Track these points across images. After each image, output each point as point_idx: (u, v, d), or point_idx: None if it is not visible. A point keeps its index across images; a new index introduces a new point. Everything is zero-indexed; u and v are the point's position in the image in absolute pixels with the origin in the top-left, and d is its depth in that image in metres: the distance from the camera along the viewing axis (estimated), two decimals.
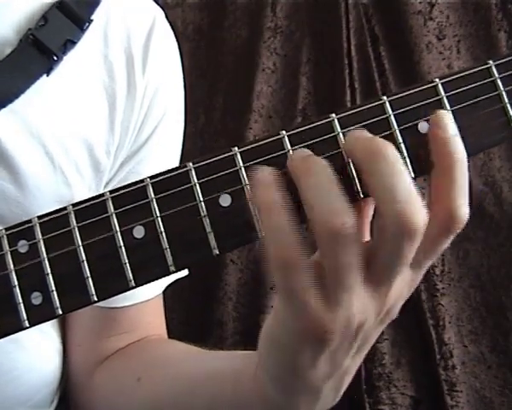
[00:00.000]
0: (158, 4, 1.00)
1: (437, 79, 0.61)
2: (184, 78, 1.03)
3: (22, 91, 0.82)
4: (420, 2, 1.70)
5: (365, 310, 0.58)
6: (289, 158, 0.58)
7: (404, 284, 0.60)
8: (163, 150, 0.98)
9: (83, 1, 0.89)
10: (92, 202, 0.59)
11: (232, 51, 1.75)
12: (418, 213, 0.54)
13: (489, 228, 1.69)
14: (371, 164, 0.55)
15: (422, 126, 0.60)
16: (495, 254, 1.69)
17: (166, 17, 1.00)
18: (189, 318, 1.72)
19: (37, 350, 0.93)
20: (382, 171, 0.55)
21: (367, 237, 0.62)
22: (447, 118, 0.59)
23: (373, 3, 1.72)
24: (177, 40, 1.02)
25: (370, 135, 0.58)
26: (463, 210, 0.58)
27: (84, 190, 0.90)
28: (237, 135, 1.72)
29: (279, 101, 1.74)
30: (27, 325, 0.58)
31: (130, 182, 0.93)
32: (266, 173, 0.57)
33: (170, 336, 1.04)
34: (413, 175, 0.59)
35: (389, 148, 0.55)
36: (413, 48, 1.70)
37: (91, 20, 0.88)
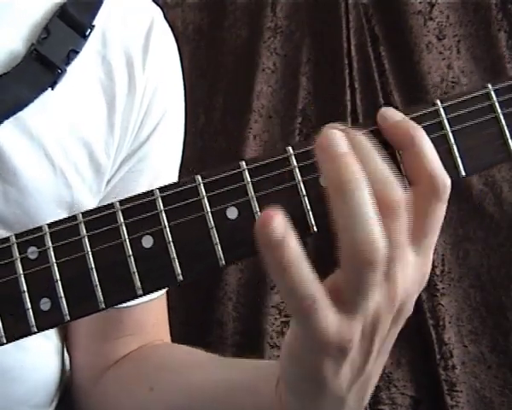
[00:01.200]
0: (157, 4, 1.00)
1: (438, 102, 0.63)
2: (184, 78, 1.03)
3: (27, 104, 0.82)
4: (420, 2, 1.70)
5: (378, 309, 0.59)
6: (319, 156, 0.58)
7: (414, 274, 0.60)
8: (163, 149, 0.98)
9: (84, 6, 0.89)
10: (102, 213, 0.59)
11: (232, 51, 1.76)
12: (394, 191, 0.57)
13: (489, 228, 1.70)
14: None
15: None
16: (495, 254, 1.69)
17: (165, 17, 1.00)
18: (189, 318, 1.72)
19: (38, 350, 0.93)
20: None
21: None
22: (390, 109, 0.62)
23: (373, 3, 1.72)
24: (177, 40, 1.02)
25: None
26: (443, 175, 0.60)
27: (84, 192, 0.90)
28: (237, 135, 1.72)
29: (279, 101, 1.74)
30: (35, 331, 0.59)
31: (130, 181, 0.93)
32: (278, 228, 0.54)
33: (170, 337, 1.04)
34: None
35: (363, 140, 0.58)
36: (413, 48, 1.71)
37: (93, 26, 0.88)
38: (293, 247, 0.54)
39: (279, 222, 0.53)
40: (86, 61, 0.89)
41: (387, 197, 0.56)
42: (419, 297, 1.72)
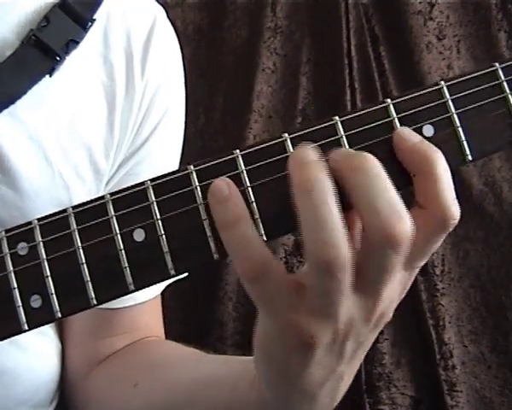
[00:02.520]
0: (158, 3, 1.00)
1: (442, 82, 0.61)
2: (185, 77, 1.03)
3: (24, 93, 0.82)
4: (420, 2, 1.70)
5: (351, 316, 0.58)
6: (289, 163, 0.57)
7: (396, 287, 0.60)
8: (163, 151, 0.97)
9: (85, 1, 0.89)
10: (92, 205, 0.59)
11: (232, 51, 1.75)
12: (402, 224, 0.54)
13: (489, 228, 1.69)
14: (352, 179, 0.56)
15: (427, 130, 0.60)
16: (495, 254, 1.69)
17: (167, 16, 1.00)
18: (189, 318, 1.72)
19: (37, 350, 0.93)
20: (363, 185, 0.55)
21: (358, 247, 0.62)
22: (407, 129, 0.59)
23: (373, 3, 1.72)
24: (177, 40, 1.02)
25: (352, 151, 0.58)
26: (454, 208, 0.58)
27: (83, 194, 0.89)
28: (237, 135, 1.72)
29: (279, 101, 1.74)
30: (26, 328, 0.58)
31: (129, 183, 0.93)
32: (222, 185, 0.57)
33: (170, 336, 1.04)
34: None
35: (370, 161, 0.56)
36: (413, 48, 1.70)
37: (94, 20, 0.88)
38: (240, 204, 0.57)
39: (223, 184, 0.57)
40: (88, 59, 0.89)
41: (393, 230, 0.54)
42: (419, 297, 1.73)
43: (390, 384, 1.72)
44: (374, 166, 0.56)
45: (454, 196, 0.58)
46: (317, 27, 1.74)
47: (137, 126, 0.93)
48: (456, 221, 0.58)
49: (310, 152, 0.56)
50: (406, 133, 0.59)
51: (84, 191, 0.89)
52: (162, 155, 0.97)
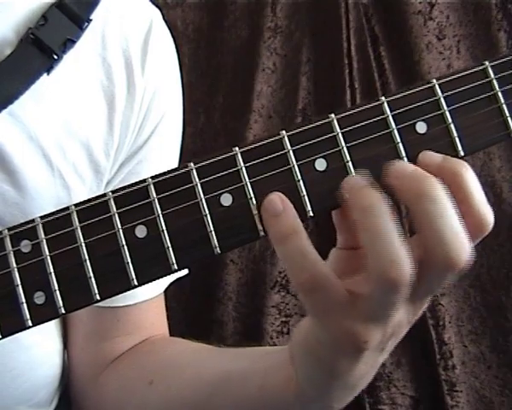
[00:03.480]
0: (156, 5, 1.00)
1: (434, 80, 0.62)
2: (184, 77, 1.03)
3: (22, 92, 0.82)
4: (420, 2, 1.70)
5: (400, 322, 0.60)
6: (346, 188, 0.59)
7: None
8: (162, 151, 0.98)
9: (82, 1, 0.89)
10: (95, 202, 0.59)
11: (232, 51, 1.76)
12: (464, 252, 0.56)
13: None
14: (419, 205, 0.56)
15: (420, 127, 0.61)
16: (495, 254, 1.69)
17: (165, 17, 1.00)
18: (189, 318, 1.72)
19: (38, 350, 0.93)
20: (430, 212, 0.56)
21: None
22: (427, 152, 0.60)
23: (373, 3, 1.72)
24: (177, 40, 1.02)
25: (417, 170, 0.58)
26: (491, 216, 0.60)
27: (83, 193, 0.89)
28: (237, 135, 1.72)
29: (279, 101, 1.74)
30: (30, 325, 0.58)
31: (130, 182, 0.93)
32: (276, 200, 0.59)
33: (170, 336, 1.04)
34: None
35: (437, 189, 0.56)
36: (413, 48, 1.71)
37: (90, 20, 0.88)
38: (294, 217, 0.58)
39: (276, 198, 0.59)
40: (86, 60, 0.89)
41: (457, 260, 0.56)
42: None
43: (390, 384, 1.73)
44: (440, 192, 0.56)
45: (486, 200, 0.60)
46: (317, 27, 1.74)
47: (139, 126, 0.93)
48: (490, 228, 0.60)
49: (362, 179, 0.58)
50: (427, 157, 0.60)
51: (83, 190, 0.89)
52: (162, 155, 0.97)
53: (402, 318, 0.60)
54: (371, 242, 0.56)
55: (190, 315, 1.73)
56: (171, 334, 1.04)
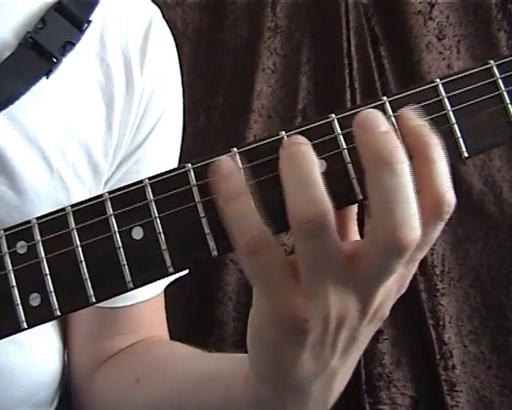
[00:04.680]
0: (156, 4, 1.00)
1: (437, 80, 0.61)
2: (184, 77, 1.03)
3: (21, 94, 0.82)
4: (420, 2, 1.70)
5: (345, 304, 0.58)
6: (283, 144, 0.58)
7: (393, 283, 0.60)
8: (161, 150, 0.97)
9: (81, 2, 0.89)
10: (91, 203, 0.59)
11: (232, 51, 1.75)
12: (412, 234, 0.54)
13: (489, 228, 1.69)
14: (377, 172, 0.55)
15: None
16: (495, 254, 1.69)
17: (165, 16, 1.00)
18: (189, 318, 1.72)
19: (37, 350, 0.93)
20: (387, 183, 0.55)
21: (354, 237, 0.62)
22: (411, 111, 0.59)
23: (373, 3, 1.72)
24: (177, 40, 1.02)
25: (389, 135, 0.57)
26: (449, 194, 0.57)
27: (83, 194, 0.89)
28: (237, 135, 1.72)
29: (279, 101, 1.74)
30: (25, 327, 0.58)
31: (128, 181, 0.92)
32: (225, 163, 0.58)
33: (170, 337, 1.04)
34: None
35: (401, 161, 0.55)
36: (413, 48, 1.71)
37: (90, 21, 0.88)
38: (240, 180, 0.57)
39: (225, 161, 0.58)
40: (85, 61, 0.89)
41: (404, 238, 0.54)
42: (419, 297, 1.73)
43: (390, 384, 1.73)
44: (403, 167, 0.55)
45: (449, 183, 0.58)
46: (317, 27, 1.74)
47: (137, 125, 0.93)
48: (451, 210, 0.57)
49: (298, 136, 0.58)
50: (411, 114, 0.59)
51: (83, 191, 0.89)
52: (161, 154, 0.97)
53: (347, 301, 0.58)
54: (286, 187, 0.56)
55: (190, 315, 1.73)
56: (171, 334, 1.04)
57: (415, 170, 0.57)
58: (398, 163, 0.54)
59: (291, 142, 0.57)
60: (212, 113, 1.75)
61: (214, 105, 1.76)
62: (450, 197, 0.57)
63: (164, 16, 1.00)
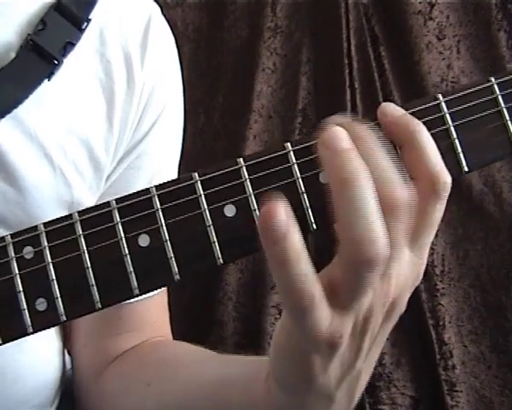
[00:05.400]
0: (157, 3, 1.00)
1: (440, 96, 0.62)
2: (184, 77, 1.03)
3: (24, 99, 0.82)
4: (420, 2, 1.70)
5: (371, 306, 0.58)
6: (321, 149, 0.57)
7: (407, 271, 0.60)
8: (162, 145, 0.98)
9: (80, 0, 0.89)
10: (98, 212, 0.59)
11: (232, 51, 1.76)
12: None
13: (489, 228, 1.70)
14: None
15: None
16: (495, 254, 1.70)
17: (165, 16, 1.00)
18: (190, 318, 1.72)
19: (38, 351, 0.93)
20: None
21: None
22: (390, 104, 0.60)
23: (373, 3, 1.72)
24: (177, 40, 1.02)
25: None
26: (442, 171, 0.58)
27: (84, 190, 0.90)
28: (237, 135, 1.72)
29: (279, 101, 1.74)
30: (31, 331, 0.59)
31: (129, 177, 0.92)
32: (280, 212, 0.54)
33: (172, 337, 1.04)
34: None
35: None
36: (413, 48, 1.71)
37: (89, 20, 0.88)
38: (296, 241, 0.53)
39: (282, 215, 0.53)
40: (85, 58, 0.89)
41: (390, 196, 0.55)
42: (419, 297, 1.73)
43: (390, 384, 1.73)
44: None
45: (441, 162, 0.59)
46: (317, 27, 1.74)
47: (137, 121, 0.93)
48: (448, 187, 0.59)
49: (343, 136, 0.56)
50: (389, 108, 0.60)
51: (84, 187, 0.90)
52: (162, 149, 0.98)
53: (371, 300, 0.58)
54: (344, 219, 0.54)
55: (190, 315, 1.73)
56: (172, 333, 1.04)
57: (405, 160, 0.59)
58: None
59: (337, 148, 0.55)
60: (212, 113, 1.76)
61: (214, 105, 1.76)
62: (444, 174, 0.58)
63: (164, 16, 1.00)
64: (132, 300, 0.94)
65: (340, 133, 0.56)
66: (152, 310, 1.00)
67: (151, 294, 0.96)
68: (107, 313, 0.94)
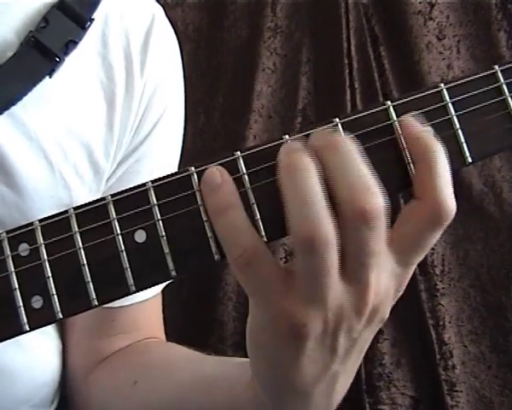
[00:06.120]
0: (157, 2, 1.00)
1: (442, 84, 0.61)
2: (184, 77, 1.03)
3: (24, 95, 0.82)
4: (420, 3, 1.70)
5: (341, 305, 0.58)
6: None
7: (389, 281, 0.60)
8: (162, 149, 0.97)
9: (83, 0, 0.88)
10: (94, 206, 0.59)
11: (232, 51, 1.75)
12: (374, 199, 0.55)
13: (489, 228, 1.69)
14: (325, 157, 0.56)
15: None
16: (495, 254, 1.69)
17: (166, 15, 1.00)
18: (189, 318, 1.72)
19: (38, 350, 0.93)
20: (335, 161, 0.56)
21: None
22: (413, 117, 0.60)
23: (373, 3, 1.72)
24: (177, 40, 1.02)
25: (327, 131, 0.59)
26: (450, 201, 0.58)
27: (84, 193, 0.89)
28: (237, 135, 1.72)
29: (279, 101, 1.74)
30: (27, 329, 0.58)
31: (128, 180, 0.92)
32: (215, 173, 0.58)
33: (170, 336, 1.04)
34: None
35: (341, 139, 0.57)
36: (413, 48, 1.70)
37: (92, 19, 0.88)
38: (232, 191, 0.57)
39: (215, 172, 0.58)
40: (87, 59, 0.89)
41: (364, 204, 0.55)
42: (419, 297, 1.72)
43: (390, 384, 1.72)
44: (344, 143, 0.57)
45: (451, 191, 0.58)
46: (317, 27, 1.74)
47: (137, 124, 0.93)
48: (451, 217, 0.58)
49: (296, 143, 0.58)
50: (413, 121, 0.60)
51: (84, 190, 0.90)
52: (162, 152, 0.97)
53: (342, 300, 0.58)
54: (288, 203, 0.56)
55: (190, 315, 1.73)
56: (171, 333, 1.04)
57: (417, 176, 0.58)
58: (339, 142, 0.57)
59: (289, 150, 0.58)
60: (212, 113, 1.75)
61: (214, 105, 1.76)
62: (451, 205, 0.58)
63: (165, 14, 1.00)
64: (126, 302, 0.95)
65: (294, 145, 0.58)
66: (146, 313, 1.00)
67: (145, 297, 0.96)
68: (100, 314, 0.95)
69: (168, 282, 0.96)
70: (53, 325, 0.98)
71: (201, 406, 0.79)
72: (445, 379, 1.70)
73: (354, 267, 0.58)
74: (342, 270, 0.57)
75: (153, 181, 0.59)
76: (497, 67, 0.61)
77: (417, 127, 0.59)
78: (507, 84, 0.61)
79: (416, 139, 0.59)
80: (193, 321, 1.73)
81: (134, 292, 0.58)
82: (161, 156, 0.97)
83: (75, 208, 0.59)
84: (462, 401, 1.69)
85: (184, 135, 1.03)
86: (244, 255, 0.57)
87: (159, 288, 1.00)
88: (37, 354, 0.93)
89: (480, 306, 1.71)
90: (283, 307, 0.58)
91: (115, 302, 0.92)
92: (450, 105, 0.61)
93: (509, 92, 0.61)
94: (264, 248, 0.58)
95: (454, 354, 1.70)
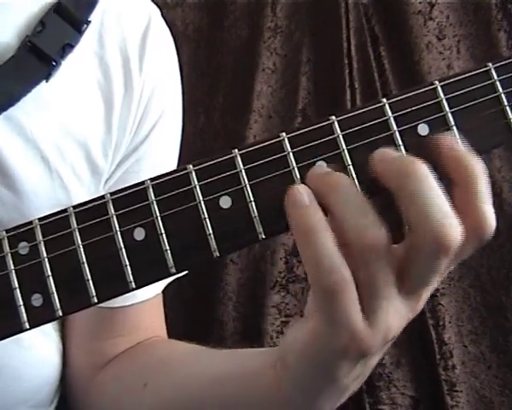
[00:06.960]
0: (156, 4, 1.00)
1: (436, 82, 0.61)
2: (184, 77, 1.03)
3: (21, 97, 0.82)
4: (420, 2, 1.70)
5: (401, 320, 0.59)
6: (311, 175, 0.59)
7: (392, 320, 0.60)
8: (161, 150, 0.98)
9: (80, 2, 0.89)
10: (93, 204, 0.59)
11: (232, 51, 1.75)
12: (454, 229, 0.55)
13: None
14: (402, 186, 0.56)
15: (422, 129, 0.61)
16: (495, 254, 1.69)
17: (165, 16, 1.00)
18: (190, 318, 1.72)
19: (38, 350, 0.93)
20: (414, 192, 0.55)
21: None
22: (451, 137, 0.60)
23: (373, 3, 1.72)
24: (177, 40, 1.02)
25: (401, 155, 0.58)
26: (491, 218, 0.59)
27: (82, 193, 0.90)
28: (237, 135, 1.72)
29: (279, 101, 1.74)
30: (27, 327, 0.59)
31: (128, 181, 0.93)
32: (303, 192, 0.58)
33: (170, 337, 1.04)
34: None
35: (421, 168, 0.56)
36: (413, 48, 1.70)
37: (89, 22, 0.88)
38: (321, 217, 0.56)
39: (307, 191, 0.57)
40: (84, 61, 0.89)
41: (445, 235, 0.55)
42: None
43: (390, 384, 1.72)
44: (422, 170, 0.56)
45: (492, 211, 0.59)
46: (317, 27, 1.74)
47: (136, 125, 0.93)
48: (491, 234, 0.59)
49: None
50: (452, 141, 0.59)
51: (82, 191, 0.90)
52: (161, 152, 0.98)
53: (400, 312, 0.59)
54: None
55: (190, 315, 1.73)
56: (171, 333, 1.04)
57: (456, 195, 0.58)
58: (418, 170, 0.56)
59: (326, 171, 0.58)
60: (212, 113, 1.75)
61: (214, 105, 1.76)
62: (491, 221, 0.59)
63: (164, 16, 1.00)
64: (127, 303, 0.95)
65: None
66: (147, 314, 1.00)
67: (146, 297, 0.96)
68: (101, 315, 0.95)
69: (168, 282, 0.97)
70: (54, 326, 0.98)
71: (217, 403, 0.79)
72: (445, 379, 1.69)
73: (414, 284, 0.59)
74: (401, 284, 0.58)
75: (151, 179, 0.59)
76: (490, 64, 0.62)
77: (456, 148, 0.59)
78: (501, 81, 0.61)
79: (456, 160, 0.58)
80: (193, 321, 1.73)
81: (134, 289, 0.58)
82: (160, 157, 0.97)
83: (74, 207, 0.59)
84: (462, 401, 1.69)
85: (184, 135, 1.04)
86: (334, 285, 0.56)
87: (159, 288, 1.00)
88: (37, 355, 0.93)
89: (480, 306, 1.70)
90: (354, 329, 0.57)
91: (116, 303, 0.93)
92: (444, 102, 0.61)
93: (503, 89, 0.61)
94: (349, 274, 0.57)
95: (454, 354, 1.70)
